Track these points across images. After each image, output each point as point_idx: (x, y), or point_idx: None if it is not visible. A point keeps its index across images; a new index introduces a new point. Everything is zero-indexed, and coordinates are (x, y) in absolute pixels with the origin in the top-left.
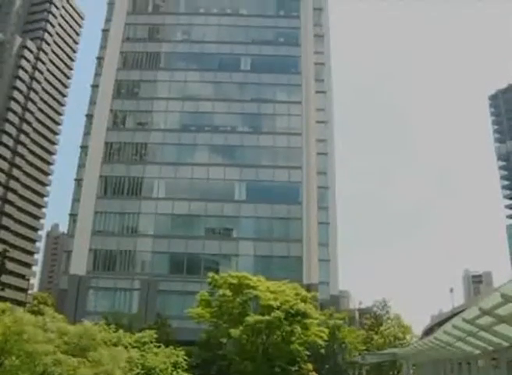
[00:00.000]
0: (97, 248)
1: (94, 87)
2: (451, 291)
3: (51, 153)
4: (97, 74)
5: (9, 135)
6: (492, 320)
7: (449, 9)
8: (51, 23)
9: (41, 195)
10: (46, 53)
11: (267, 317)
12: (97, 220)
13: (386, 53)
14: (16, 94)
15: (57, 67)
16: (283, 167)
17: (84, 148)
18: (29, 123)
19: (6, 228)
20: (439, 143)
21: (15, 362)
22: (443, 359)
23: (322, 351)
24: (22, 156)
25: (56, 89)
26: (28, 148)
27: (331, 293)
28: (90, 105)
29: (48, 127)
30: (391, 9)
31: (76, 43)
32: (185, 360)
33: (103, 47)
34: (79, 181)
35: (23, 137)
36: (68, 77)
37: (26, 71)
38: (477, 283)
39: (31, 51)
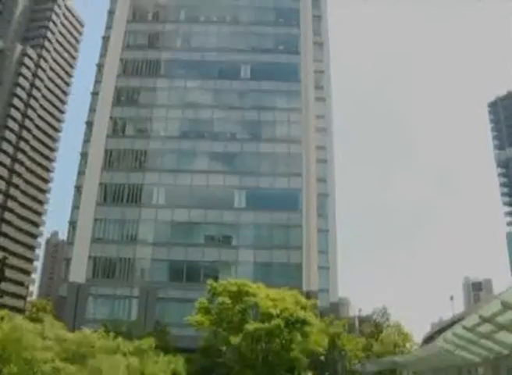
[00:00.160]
0: (97, 256)
1: (94, 94)
2: (451, 298)
3: (50, 160)
4: (97, 81)
5: (9, 142)
6: (492, 328)
7: (448, 15)
8: (51, 31)
9: (41, 203)
10: (46, 60)
11: (267, 325)
12: (96, 228)
13: (385, 57)
14: (16, 101)
15: (57, 74)
16: (283, 174)
17: (84, 155)
18: (29, 130)
19: (6, 235)
20: (439, 150)
21: (13, 369)
22: (444, 367)
23: (322, 358)
24: (22, 163)
25: (56, 96)
26: (28, 155)
27: (331, 300)
28: (90, 112)
29: (47, 134)
30: (390, 14)
31: (76, 50)
32: (184, 368)
33: (103, 54)
34: (78, 188)
35: (22, 144)
36: (68, 84)
37: (26, 78)
38: (477, 290)
39: (31, 59)
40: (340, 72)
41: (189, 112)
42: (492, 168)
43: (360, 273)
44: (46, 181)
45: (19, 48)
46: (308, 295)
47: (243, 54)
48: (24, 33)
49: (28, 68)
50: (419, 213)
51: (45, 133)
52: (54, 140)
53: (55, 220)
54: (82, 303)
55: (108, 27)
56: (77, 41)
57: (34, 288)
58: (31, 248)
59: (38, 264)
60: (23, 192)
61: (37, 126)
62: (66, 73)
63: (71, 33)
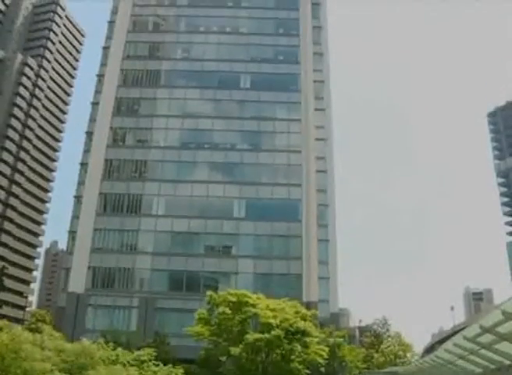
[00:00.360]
0: (96, 266)
1: (94, 104)
2: (452, 309)
3: (50, 170)
4: (98, 91)
5: (9, 152)
6: (493, 338)
7: (447, 18)
8: (51, 41)
9: (41, 212)
10: (47, 70)
11: (266, 335)
12: (96, 237)
13: (385, 65)
14: (16, 111)
15: (57, 84)
16: (283, 185)
17: (84, 165)
18: (29, 140)
19: (5, 245)
20: (438, 160)
21: None
22: None
23: (322, 369)
24: (21, 173)
25: (56, 106)
26: (28, 165)
27: (331, 311)
28: (90, 122)
29: (47, 144)
30: (390, 17)
31: (77, 60)
32: None
33: (103, 64)
34: (78, 198)
35: (23, 154)
36: (68, 94)
37: (26, 88)
38: (477, 300)
39: (32, 69)
40: (340, 79)
41: (189, 122)
42: (491, 177)
43: (360, 284)
44: (46, 191)
45: (19, 57)
46: (308, 306)
47: (242, 64)
48: (25, 43)
49: (28, 78)
50: (419, 224)
51: (45, 142)
52: (54, 149)
53: (54, 230)
54: (81, 313)
55: (109, 37)
56: (78, 51)
57: (33, 298)
58: (30, 257)
59: (38, 274)
60: (23, 202)
61: (38, 136)
62: (67, 82)
63: (71, 44)
